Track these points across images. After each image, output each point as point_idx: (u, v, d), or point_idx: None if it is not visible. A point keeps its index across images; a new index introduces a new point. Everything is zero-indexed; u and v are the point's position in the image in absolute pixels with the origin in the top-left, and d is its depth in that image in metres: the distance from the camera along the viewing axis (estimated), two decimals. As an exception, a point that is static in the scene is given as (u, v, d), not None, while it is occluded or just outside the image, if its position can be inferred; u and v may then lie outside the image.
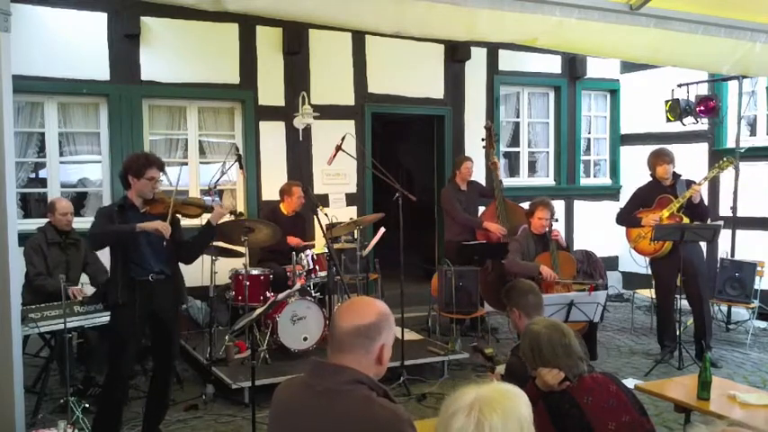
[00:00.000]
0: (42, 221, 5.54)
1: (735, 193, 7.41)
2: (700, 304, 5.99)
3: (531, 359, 2.65)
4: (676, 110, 7.59)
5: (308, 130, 7.38)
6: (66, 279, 4.43)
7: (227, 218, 4.57)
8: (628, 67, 9.17)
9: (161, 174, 4.06)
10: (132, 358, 4.23)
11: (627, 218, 6.26)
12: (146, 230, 3.90)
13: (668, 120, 7.74)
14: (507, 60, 8.67)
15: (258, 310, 3.81)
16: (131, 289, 3.91)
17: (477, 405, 1.55)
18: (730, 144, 7.98)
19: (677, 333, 5.97)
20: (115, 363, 4.02)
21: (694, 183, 5.94)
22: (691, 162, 7.69)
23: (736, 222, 7.54)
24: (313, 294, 5.85)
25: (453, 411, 1.57)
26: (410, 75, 8.12)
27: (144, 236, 3.96)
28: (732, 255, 7.44)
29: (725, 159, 5.98)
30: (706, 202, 6.20)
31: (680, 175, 6.11)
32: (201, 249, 4.41)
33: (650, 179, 6.20)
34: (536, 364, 2.63)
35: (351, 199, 7.89)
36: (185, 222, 4.34)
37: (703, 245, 6.29)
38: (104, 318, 4.71)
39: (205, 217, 4.28)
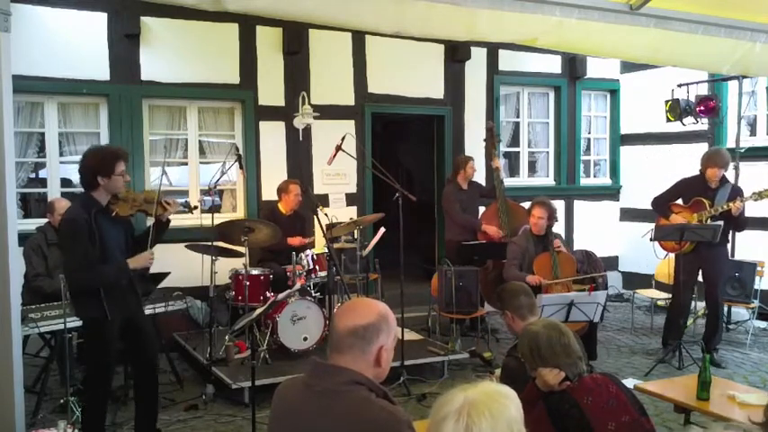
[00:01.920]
0: (42, 221, 5.54)
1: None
2: (715, 307, 5.99)
3: (531, 359, 2.65)
4: (676, 110, 7.58)
5: (308, 130, 7.38)
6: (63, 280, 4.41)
7: (184, 217, 4.42)
8: (628, 67, 9.16)
9: (126, 164, 3.85)
10: (114, 367, 4.07)
11: (662, 205, 6.22)
12: (138, 266, 3.81)
13: (668, 120, 7.74)
14: (507, 60, 8.67)
15: (258, 310, 3.81)
16: (113, 297, 3.78)
17: (466, 409, 1.55)
18: (730, 144, 7.97)
19: (682, 332, 5.97)
20: (103, 375, 3.88)
21: (737, 198, 5.87)
22: (691, 162, 7.68)
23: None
24: (313, 294, 5.85)
25: (443, 416, 1.57)
26: (410, 75, 8.12)
27: (116, 243, 3.83)
28: (732, 255, 7.43)
29: (766, 189, 5.81)
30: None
31: (728, 180, 6.09)
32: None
33: (698, 173, 6.13)
34: (535, 365, 2.62)
35: (351, 199, 7.89)
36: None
37: (728, 245, 6.22)
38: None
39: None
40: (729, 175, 7.52)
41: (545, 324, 2.71)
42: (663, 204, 6.23)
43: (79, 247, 3.65)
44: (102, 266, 3.72)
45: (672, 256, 6.34)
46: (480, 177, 7.94)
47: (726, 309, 7.35)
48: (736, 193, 6.08)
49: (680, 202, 6.23)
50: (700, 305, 6.76)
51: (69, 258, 3.78)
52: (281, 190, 6.58)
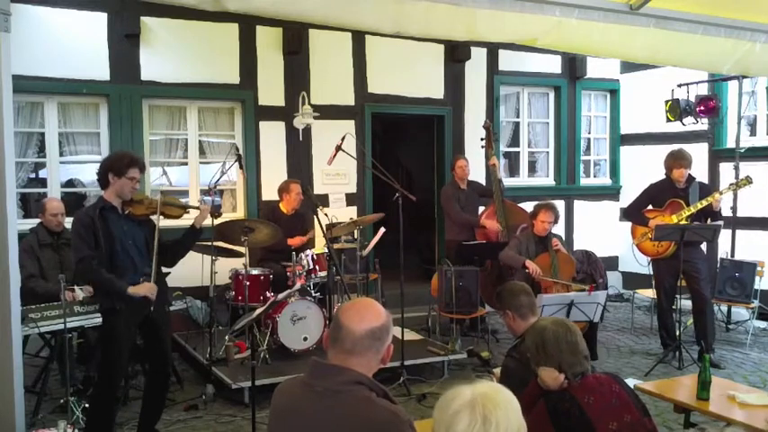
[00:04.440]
0: (41, 222, 5.53)
1: (735, 193, 7.40)
2: (703, 306, 5.99)
3: (535, 355, 2.62)
4: (676, 110, 7.59)
5: (308, 130, 7.38)
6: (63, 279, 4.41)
7: (208, 220, 4.45)
8: (628, 67, 9.16)
9: (141, 175, 3.98)
10: (127, 362, 4.17)
11: (635, 214, 6.24)
12: (137, 295, 3.82)
13: (668, 120, 7.75)
14: (507, 60, 8.67)
15: (258, 310, 3.81)
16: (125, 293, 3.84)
17: (480, 401, 1.56)
18: (730, 144, 7.98)
19: (677, 333, 5.98)
20: (112, 370, 3.93)
21: (709, 195, 5.90)
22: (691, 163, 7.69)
23: (736, 222, 7.54)
24: (313, 294, 5.85)
25: (455, 410, 1.56)
26: (410, 75, 8.12)
27: (131, 241, 3.92)
28: (732, 255, 7.44)
29: (743, 178, 5.94)
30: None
31: (694, 178, 6.11)
32: (185, 252, 4.32)
33: (664, 177, 6.17)
34: (539, 361, 2.60)
35: (351, 199, 7.89)
36: (167, 223, 4.25)
37: (703, 245, 6.29)
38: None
39: (187, 218, 4.27)
40: (729, 174, 7.57)
41: (553, 321, 2.69)
42: (636, 213, 6.24)
43: (79, 242, 3.79)
44: (102, 270, 3.80)
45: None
46: (480, 177, 7.93)
47: (726, 309, 7.37)
48: (706, 189, 6.13)
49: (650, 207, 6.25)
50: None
51: (73, 252, 3.90)
52: (283, 190, 6.58)
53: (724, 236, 6.66)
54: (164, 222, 4.11)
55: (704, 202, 5.87)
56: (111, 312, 3.87)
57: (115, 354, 3.93)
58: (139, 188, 4.03)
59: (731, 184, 6.07)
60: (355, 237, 6.30)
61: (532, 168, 9.29)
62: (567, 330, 2.61)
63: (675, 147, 6.44)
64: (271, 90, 7.44)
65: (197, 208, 4.30)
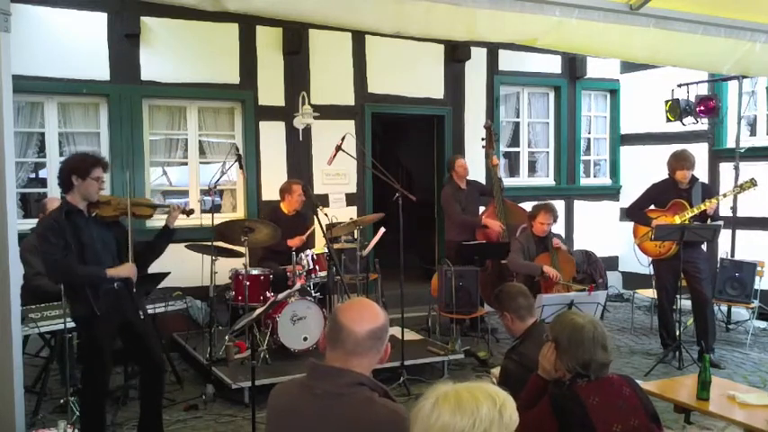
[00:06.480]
0: (42, 222, 5.52)
1: (735, 196, 7.39)
2: (704, 306, 5.99)
3: (567, 349, 2.56)
4: (676, 110, 7.59)
5: (308, 130, 7.38)
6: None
7: (182, 217, 4.28)
8: (628, 67, 9.16)
9: (105, 174, 3.90)
10: (110, 365, 4.05)
11: (638, 214, 6.22)
12: (119, 276, 3.76)
13: (668, 120, 7.75)
14: (507, 60, 8.68)
15: (258, 310, 3.81)
16: (103, 298, 3.77)
17: (445, 395, 1.61)
18: (730, 144, 7.98)
19: (677, 333, 5.98)
20: (97, 375, 3.87)
21: (713, 197, 5.90)
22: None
23: (736, 222, 7.54)
24: (313, 294, 5.85)
25: (425, 397, 1.65)
26: (410, 75, 8.12)
27: (100, 244, 3.82)
28: (732, 255, 7.44)
29: (748, 181, 5.91)
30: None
31: (697, 179, 6.10)
32: (160, 253, 4.19)
33: (667, 177, 6.15)
34: (564, 353, 2.55)
35: (351, 199, 7.89)
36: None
37: (704, 245, 6.29)
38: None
39: (157, 218, 4.17)
40: (729, 175, 7.57)
41: (591, 321, 2.64)
42: (639, 212, 6.23)
43: (48, 246, 3.68)
44: (77, 264, 3.70)
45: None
46: (480, 177, 7.93)
47: (726, 309, 7.36)
48: (708, 189, 6.13)
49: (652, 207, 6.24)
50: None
51: (43, 258, 3.82)
52: (284, 190, 6.58)
53: (724, 236, 6.66)
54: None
55: (708, 204, 5.86)
56: (87, 319, 3.78)
57: (98, 360, 3.86)
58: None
59: (735, 187, 6.05)
60: (355, 237, 6.30)
61: (532, 168, 9.29)
62: (602, 334, 2.57)
63: (676, 147, 6.43)
64: (271, 90, 7.45)
65: (166, 207, 4.18)
